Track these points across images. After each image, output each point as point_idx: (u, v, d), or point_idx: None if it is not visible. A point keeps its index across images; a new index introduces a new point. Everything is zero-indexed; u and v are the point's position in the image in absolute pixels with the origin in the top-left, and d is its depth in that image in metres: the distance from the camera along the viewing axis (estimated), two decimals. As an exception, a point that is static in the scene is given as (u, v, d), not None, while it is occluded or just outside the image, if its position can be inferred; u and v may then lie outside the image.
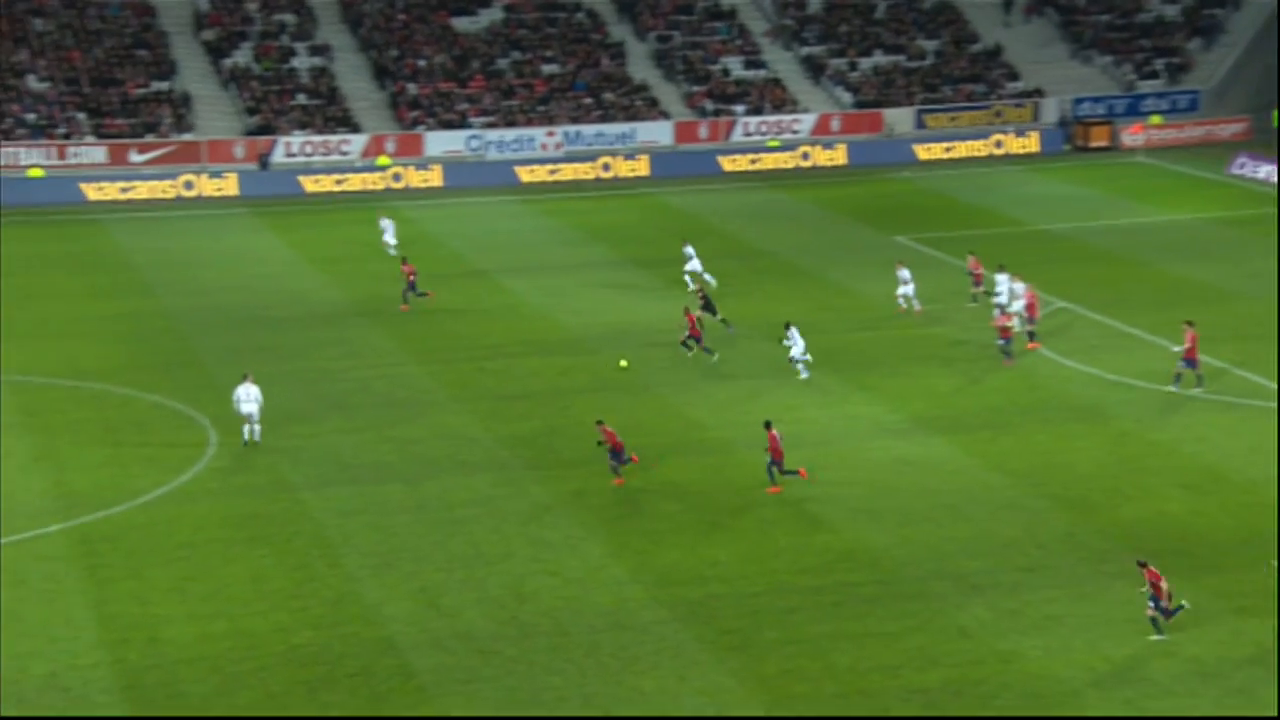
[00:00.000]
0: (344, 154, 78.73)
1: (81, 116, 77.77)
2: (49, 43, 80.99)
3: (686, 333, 49.25)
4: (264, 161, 77.60)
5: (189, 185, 75.05)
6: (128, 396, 46.50)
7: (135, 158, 76.47)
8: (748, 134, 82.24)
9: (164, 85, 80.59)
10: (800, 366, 47.30)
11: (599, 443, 39.72)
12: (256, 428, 42.55)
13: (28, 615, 32.83)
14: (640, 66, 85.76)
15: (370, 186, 76.71)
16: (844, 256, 62.56)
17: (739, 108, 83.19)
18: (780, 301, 55.08)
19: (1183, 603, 31.62)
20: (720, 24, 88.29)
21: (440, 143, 79.65)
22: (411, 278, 55.52)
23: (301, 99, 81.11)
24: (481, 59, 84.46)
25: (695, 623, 32.48)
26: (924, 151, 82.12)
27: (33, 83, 78.81)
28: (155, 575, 34.85)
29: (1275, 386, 45.74)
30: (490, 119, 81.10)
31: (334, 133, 79.26)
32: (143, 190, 74.66)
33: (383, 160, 77.90)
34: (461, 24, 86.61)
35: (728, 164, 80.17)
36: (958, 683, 29.96)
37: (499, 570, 35.04)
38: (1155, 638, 31.19)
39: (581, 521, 37.61)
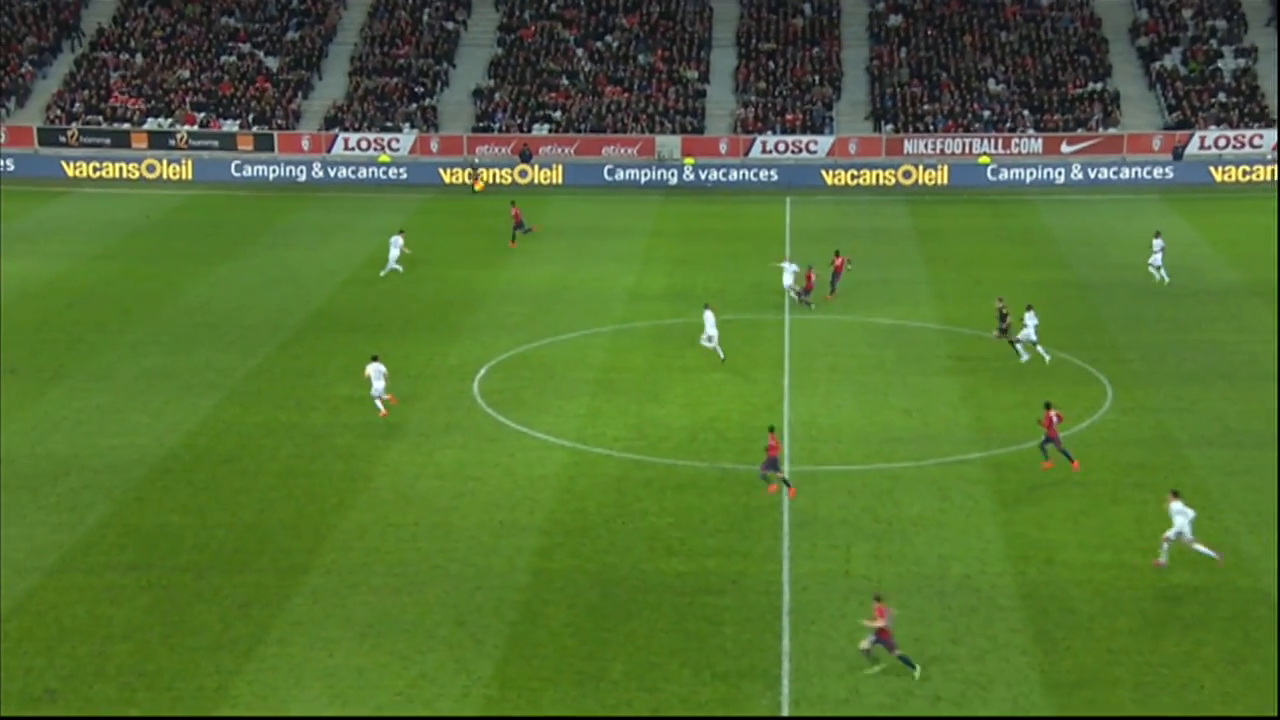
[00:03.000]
0: (1255, 147, 73.67)
1: (1026, 113, 77.80)
2: (1009, 51, 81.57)
3: None
4: (1178, 153, 74.18)
5: (1117, 170, 73.26)
6: (1040, 351, 46.00)
7: (1066, 149, 75.49)
8: None
9: (1098, 85, 78.92)
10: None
11: None
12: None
13: (949, 524, 33.34)
14: None
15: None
16: None
17: None
18: None
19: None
20: None
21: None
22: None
23: (1221, 97, 76.73)
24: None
25: None
26: None
27: (992, 85, 79.73)
28: (1053, 505, 34.26)
29: None
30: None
31: (1248, 128, 74.43)
32: (1076, 173, 73.68)
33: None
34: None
35: None
36: None
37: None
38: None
39: None
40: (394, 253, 55.76)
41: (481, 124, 78.59)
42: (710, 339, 44.32)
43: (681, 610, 29.35)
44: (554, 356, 45.82)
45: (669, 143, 76.41)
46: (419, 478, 36.07)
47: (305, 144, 77.69)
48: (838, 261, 52.43)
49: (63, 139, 77.59)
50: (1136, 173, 73.47)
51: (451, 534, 32.84)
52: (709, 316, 44.33)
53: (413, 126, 78.53)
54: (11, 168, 75.98)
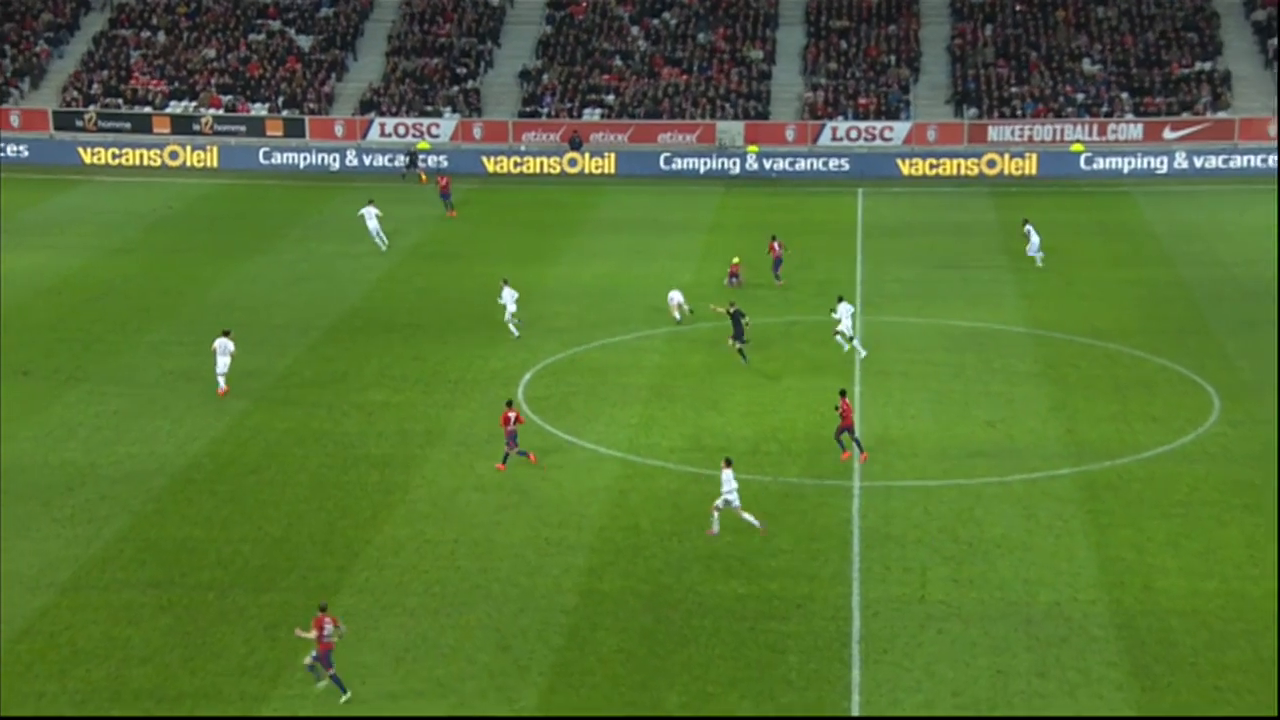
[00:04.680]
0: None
1: (1125, 96, 77.20)
2: (1106, 28, 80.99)
3: None
4: (1294, 139, 73.52)
5: (1226, 159, 72.68)
6: (1138, 358, 45.69)
7: (1168, 134, 74.87)
8: None
9: (1206, 65, 78.19)
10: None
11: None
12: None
13: (1036, 546, 33.16)
14: None
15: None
16: None
17: None
18: None
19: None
20: None
21: None
22: None
23: (1341, 80, 76.00)
24: None
25: None
26: None
27: (1087, 65, 79.17)
28: (1152, 527, 34.00)
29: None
30: None
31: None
32: (1180, 162, 73.08)
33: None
34: None
35: None
36: None
37: None
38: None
39: None
40: (372, 225, 58.18)
41: (528, 108, 78.99)
42: (845, 333, 45.09)
43: (742, 636, 29.37)
44: (605, 360, 45.93)
45: (730, 129, 76.47)
46: (459, 490, 36.28)
47: (339, 130, 78.35)
48: (774, 246, 54.02)
49: (80, 123, 78.64)
50: (1249, 161, 72.77)
51: (494, 551, 33.01)
52: (845, 309, 45.17)
53: (454, 111, 79.04)
54: (25, 154, 77.10)
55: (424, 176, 69.80)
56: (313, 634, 27.35)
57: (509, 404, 38.17)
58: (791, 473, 37.14)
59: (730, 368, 44.86)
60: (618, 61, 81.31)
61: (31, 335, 48.23)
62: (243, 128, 78.53)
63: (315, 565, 32.35)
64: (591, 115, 78.49)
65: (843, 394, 38.21)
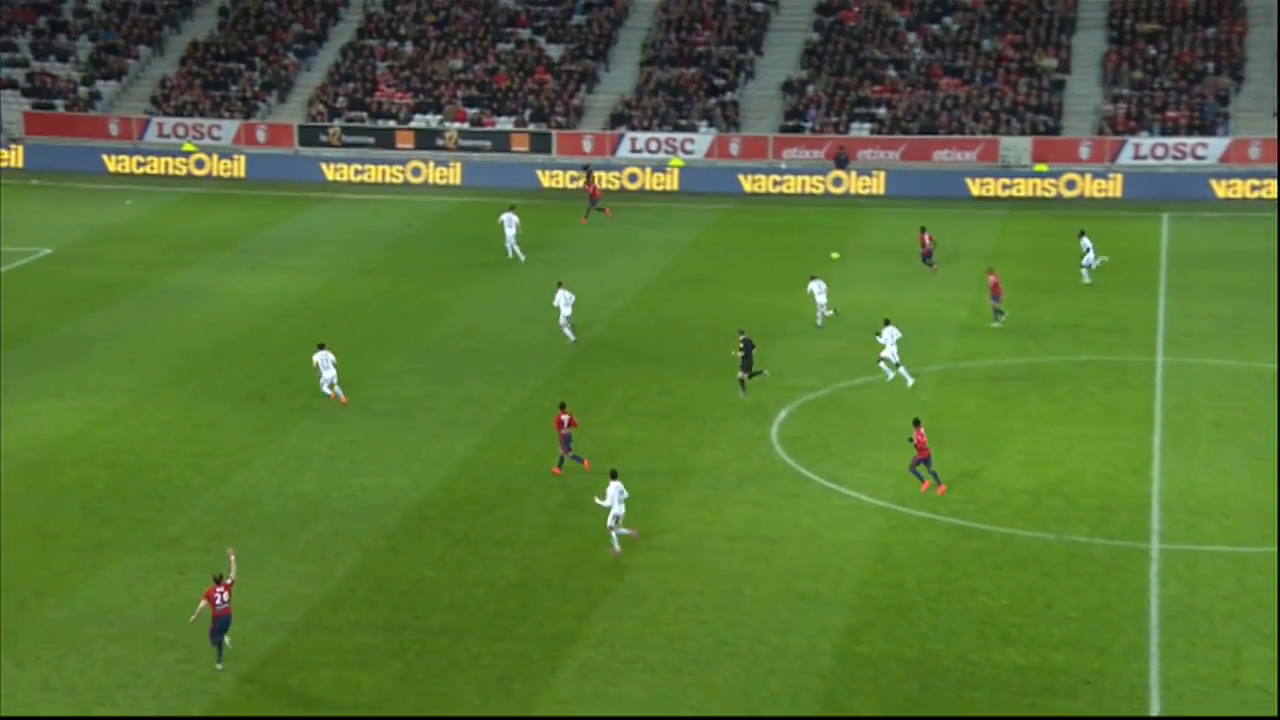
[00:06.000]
0: None
1: None
2: None
3: None
4: None
5: None
6: None
7: None
8: None
9: None
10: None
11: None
12: None
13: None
14: None
15: None
16: None
17: None
18: None
19: None
20: None
21: None
22: None
23: None
24: None
25: None
26: None
27: None
28: None
29: None
30: None
31: None
32: None
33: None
34: None
35: None
36: None
37: None
38: None
39: None
40: (510, 232, 61.51)
41: (790, 123, 79.02)
42: (890, 359, 45.31)
43: (1021, 713, 28.59)
44: (869, 399, 45.49)
45: (1016, 145, 75.16)
46: (706, 537, 36.25)
47: (587, 144, 79.59)
48: (924, 239, 56.72)
49: (324, 138, 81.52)
50: None
51: (743, 605, 32.86)
52: (890, 334, 45.76)
53: (710, 125, 79.53)
54: (269, 171, 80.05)
55: (597, 191, 70.68)
56: (202, 604, 30.23)
57: (562, 406, 39.97)
58: (1079, 531, 36.11)
59: (1010, 411, 43.96)
60: (891, 71, 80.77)
61: (268, 360, 50.00)
62: (487, 142, 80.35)
63: (551, 613, 32.66)
64: (860, 130, 78.10)
65: (917, 423, 38.24)
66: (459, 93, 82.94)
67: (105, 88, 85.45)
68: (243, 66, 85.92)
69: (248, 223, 70.00)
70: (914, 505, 37.69)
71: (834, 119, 78.65)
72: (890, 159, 76.33)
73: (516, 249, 61.79)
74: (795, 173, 75.90)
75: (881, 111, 78.68)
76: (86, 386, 47.04)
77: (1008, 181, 73.59)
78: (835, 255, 54.64)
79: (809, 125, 78.62)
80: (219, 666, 30.16)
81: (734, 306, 54.62)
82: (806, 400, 45.44)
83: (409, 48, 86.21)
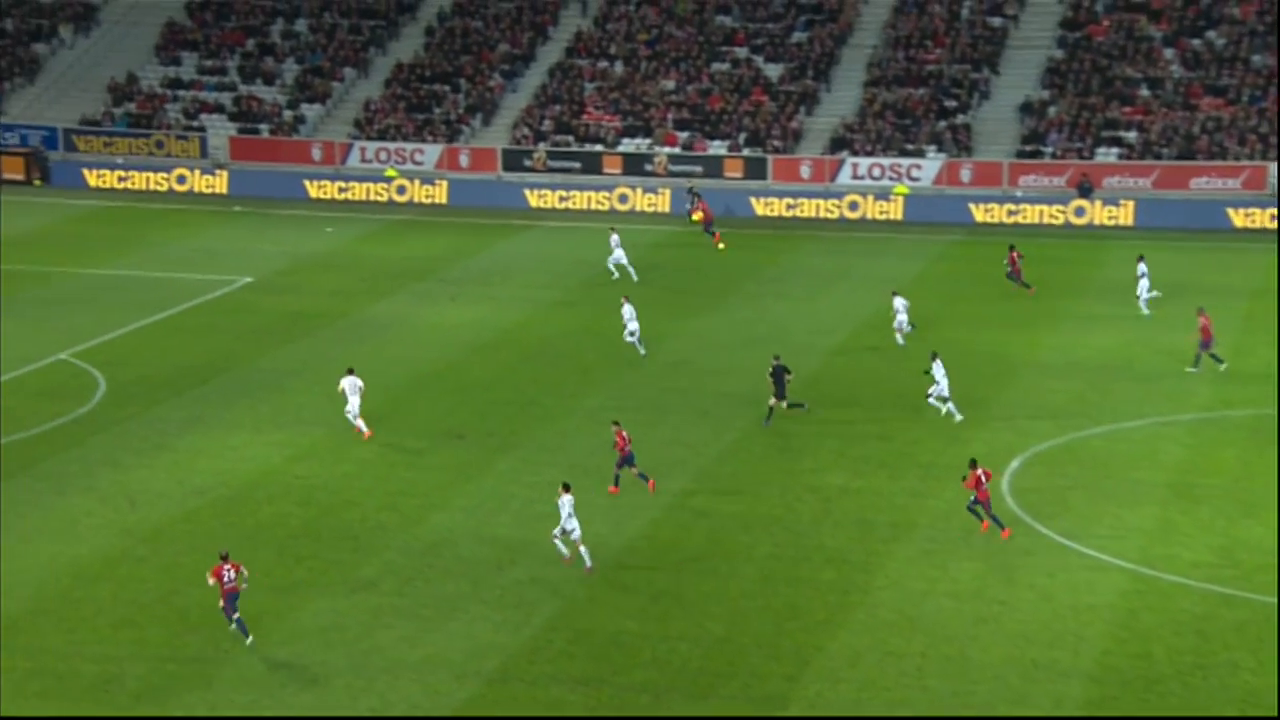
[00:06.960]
0: None
1: None
2: None
3: None
4: None
5: None
6: None
7: None
8: None
9: None
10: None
11: None
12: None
13: None
14: None
15: None
16: None
17: None
18: None
19: None
20: None
21: None
22: None
23: None
24: None
25: None
26: None
27: None
28: None
29: None
30: None
31: None
32: None
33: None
34: None
35: None
36: None
37: None
38: None
39: None
40: (619, 254, 64.24)
41: (1028, 147, 77.78)
42: (941, 395, 45.69)
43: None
44: (1112, 450, 44.37)
45: (1283, 172, 73.05)
46: (928, 595, 35.60)
47: (805, 171, 79.26)
48: (1013, 257, 59.70)
49: (528, 162, 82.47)
50: None
51: (969, 671, 32.16)
52: (940, 369, 45.94)
53: (940, 149, 78.65)
54: (471, 198, 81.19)
55: (710, 213, 71.42)
56: (211, 581, 33.40)
57: (616, 424, 41.60)
58: (1348, 599, 34.68)
59: (1275, 466, 42.41)
60: (1144, 90, 79.01)
61: (468, 396, 50.52)
62: (699, 168, 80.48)
63: (760, 672, 32.30)
64: (1107, 155, 76.56)
65: (973, 464, 38.25)
66: (670, 115, 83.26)
67: (310, 111, 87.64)
68: (447, 88, 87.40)
69: (448, 251, 71.02)
70: (1163, 568, 36.54)
71: (1077, 143, 77.17)
72: (1141, 186, 74.62)
73: (629, 267, 64.22)
74: (1032, 201, 74.60)
75: (1131, 135, 76.99)
76: (283, 420, 48.06)
77: (1276, 212, 71.36)
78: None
79: (1049, 150, 77.27)
80: (248, 641, 33.15)
81: (960, 346, 53.73)
82: (1041, 449, 44.45)
83: (619, 68, 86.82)
